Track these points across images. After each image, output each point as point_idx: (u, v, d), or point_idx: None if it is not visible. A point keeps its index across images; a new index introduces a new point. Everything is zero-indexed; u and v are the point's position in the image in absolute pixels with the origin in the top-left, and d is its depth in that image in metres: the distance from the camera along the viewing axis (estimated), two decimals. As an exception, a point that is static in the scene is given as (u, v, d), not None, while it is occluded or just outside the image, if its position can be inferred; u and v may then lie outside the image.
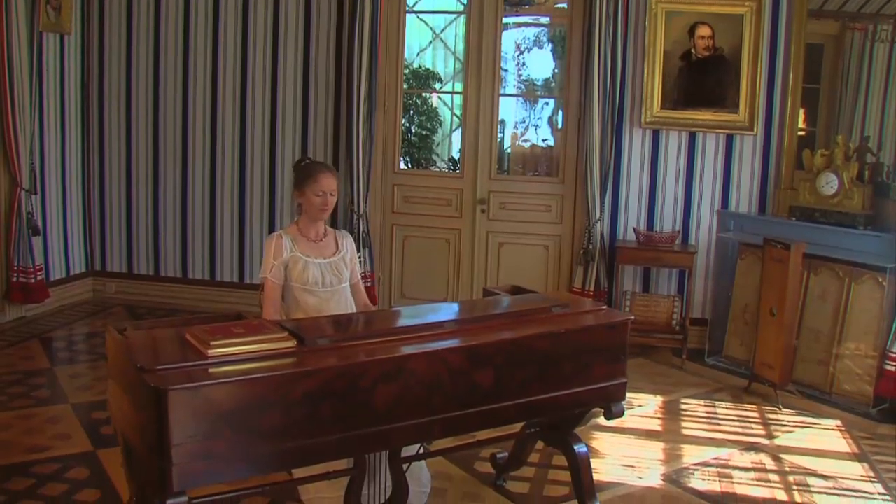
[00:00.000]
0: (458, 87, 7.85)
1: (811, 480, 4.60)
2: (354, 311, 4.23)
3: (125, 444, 3.14)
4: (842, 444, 5.19)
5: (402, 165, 7.92)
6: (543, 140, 8.15)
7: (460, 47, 7.77)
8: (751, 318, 6.44)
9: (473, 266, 7.44)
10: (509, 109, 8.38)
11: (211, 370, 2.86)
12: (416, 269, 7.56)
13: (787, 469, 4.75)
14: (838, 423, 5.54)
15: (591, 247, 6.93)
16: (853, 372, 5.90)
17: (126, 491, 3.41)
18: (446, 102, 8.88)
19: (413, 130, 8.91)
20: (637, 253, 6.85)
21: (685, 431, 5.30)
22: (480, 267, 7.44)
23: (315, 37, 7.36)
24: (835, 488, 4.52)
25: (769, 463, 4.83)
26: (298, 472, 3.64)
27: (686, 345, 6.69)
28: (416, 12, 7.69)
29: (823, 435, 5.34)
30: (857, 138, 6.32)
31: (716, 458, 4.86)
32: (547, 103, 8.42)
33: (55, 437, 4.77)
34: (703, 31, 6.73)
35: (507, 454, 4.40)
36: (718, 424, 5.44)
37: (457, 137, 8.36)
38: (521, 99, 8.62)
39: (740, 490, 4.44)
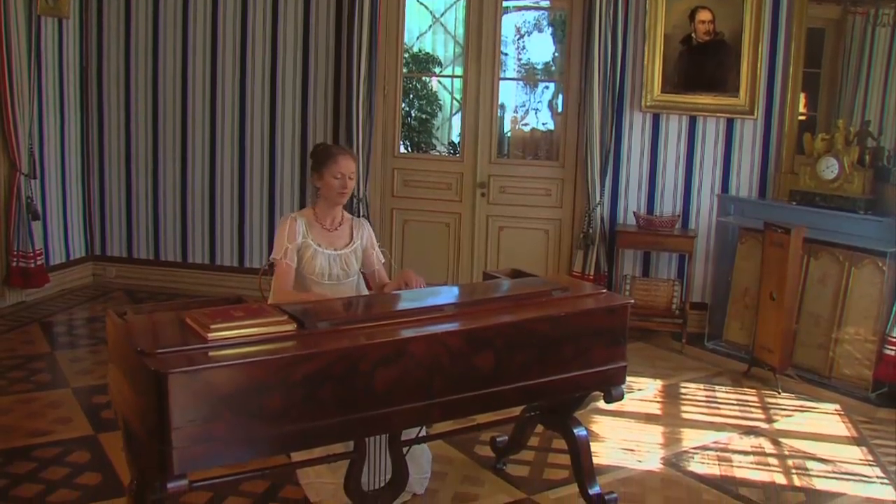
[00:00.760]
0: (458, 70, 7.83)
1: (810, 464, 4.61)
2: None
3: (126, 428, 3.15)
4: (841, 428, 5.20)
5: (402, 149, 7.90)
6: (543, 124, 8.13)
7: (460, 31, 7.74)
8: (751, 302, 6.45)
9: (473, 250, 7.44)
10: (509, 93, 8.36)
11: (211, 353, 2.86)
12: (416, 253, 7.55)
13: (787, 453, 4.76)
14: (837, 407, 5.55)
15: (591, 231, 6.92)
16: (853, 356, 5.90)
17: (127, 474, 3.42)
18: (446, 86, 8.86)
19: (413, 114, 8.89)
20: (637, 237, 6.85)
21: (685, 415, 5.31)
22: (480, 251, 7.43)
23: (315, 17, 7.33)
24: (834, 472, 4.53)
25: (768, 447, 4.84)
26: (298, 456, 3.65)
27: (686, 329, 6.69)
28: (415, -5, 7.67)
29: (822, 419, 5.35)
30: (857, 122, 6.30)
31: (715, 442, 4.87)
32: (547, 87, 8.40)
33: (56, 421, 4.78)
34: (704, 15, 6.69)
35: (506, 438, 4.41)
36: (718, 408, 5.45)
37: (457, 121, 8.34)
38: (521, 83, 8.59)
39: (739, 474, 4.45)
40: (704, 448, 4.78)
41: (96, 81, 7.78)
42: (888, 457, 4.74)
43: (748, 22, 6.62)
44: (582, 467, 3.91)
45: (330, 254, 4.12)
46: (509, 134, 8.23)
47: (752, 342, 6.14)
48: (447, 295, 4.19)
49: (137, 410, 2.87)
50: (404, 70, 7.71)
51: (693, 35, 6.77)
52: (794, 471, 4.52)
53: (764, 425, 5.18)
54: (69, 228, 7.74)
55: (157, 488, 2.84)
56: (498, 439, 4.45)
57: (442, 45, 8.52)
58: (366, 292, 4.32)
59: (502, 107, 7.80)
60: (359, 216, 6.89)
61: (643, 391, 5.70)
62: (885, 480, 4.44)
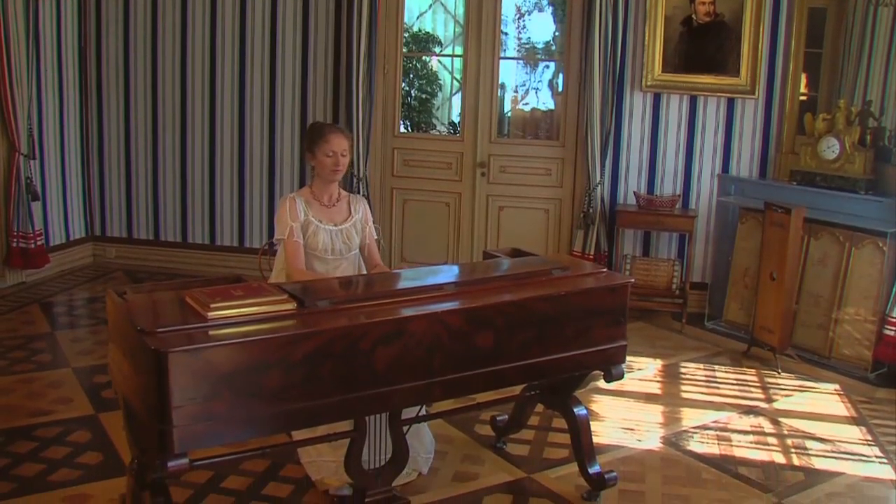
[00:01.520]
0: (459, 50, 7.79)
1: (809, 444, 4.63)
2: (363, 275, 4.23)
3: (126, 407, 3.15)
4: (840, 407, 5.21)
5: (402, 129, 7.88)
6: (544, 103, 8.11)
7: (460, 10, 7.70)
8: (751, 282, 6.45)
9: (473, 229, 7.43)
10: (509, 73, 8.34)
11: (211, 332, 2.86)
12: (416, 233, 7.55)
13: (786, 432, 4.77)
14: (837, 387, 5.56)
15: (591, 210, 6.92)
16: (852, 336, 5.91)
17: (128, 453, 3.43)
18: (446, 66, 8.83)
19: (413, 94, 8.86)
20: (637, 217, 6.84)
21: (684, 395, 5.32)
22: (480, 230, 7.43)
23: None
24: (833, 451, 4.54)
25: (768, 426, 4.85)
26: (298, 435, 3.66)
27: (686, 309, 6.70)
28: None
29: (822, 399, 5.36)
30: (859, 103, 6.27)
31: (715, 422, 4.88)
32: (547, 66, 8.37)
33: (57, 400, 4.79)
34: (705, -5, 6.68)
35: (506, 417, 4.42)
36: (718, 388, 5.46)
37: (457, 101, 8.32)
38: (521, 62, 8.57)
39: (739, 453, 4.46)
40: (704, 427, 4.79)
41: (95, 61, 7.75)
42: (887, 437, 4.75)
43: (749, 2, 6.58)
44: (582, 446, 3.92)
45: (331, 229, 4.14)
46: (509, 113, 8.21)
47: (752, 322, 6.14)
48: (447, 274, 4.17)
49: (138, 389, 2.87)
50: (404, 50, 7.68)
51: (693, 16, 6.73)
52: (793, 450, 4.53)
53: (763, 405, 5.19)
54: (69, 209, 7.72)
55: (158, 467, 2.85)
56: (498, 418, 4.46)
57: (442, 25, 8.49)
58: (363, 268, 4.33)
59: (502, 86, 7.77)
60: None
61: (643, 371, 5.71)
62: (884, 460, 4.45)
